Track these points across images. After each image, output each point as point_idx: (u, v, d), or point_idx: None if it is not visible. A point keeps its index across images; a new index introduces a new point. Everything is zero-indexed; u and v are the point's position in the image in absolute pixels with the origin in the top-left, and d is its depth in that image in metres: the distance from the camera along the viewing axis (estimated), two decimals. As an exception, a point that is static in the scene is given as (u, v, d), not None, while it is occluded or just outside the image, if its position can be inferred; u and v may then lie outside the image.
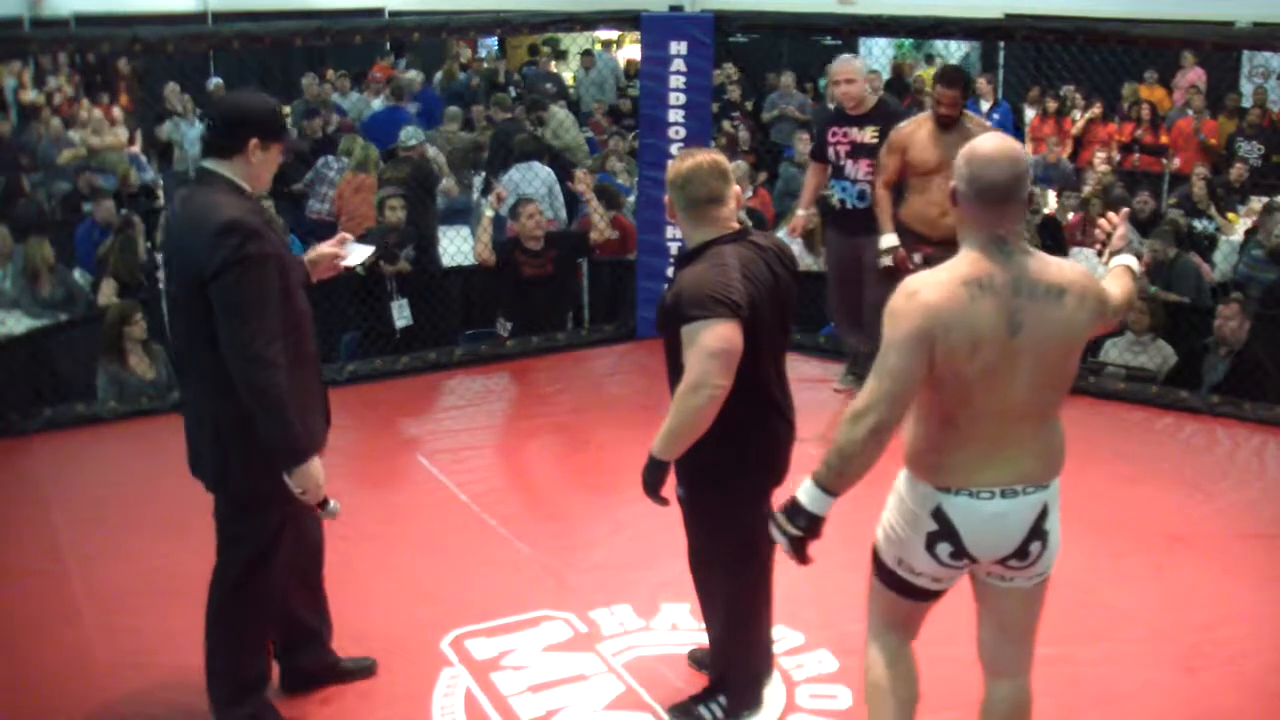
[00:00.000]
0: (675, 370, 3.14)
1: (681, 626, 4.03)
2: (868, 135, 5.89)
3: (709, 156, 3.25)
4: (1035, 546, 2.74)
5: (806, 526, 2.71)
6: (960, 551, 2.72)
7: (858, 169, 5.90)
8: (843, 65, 5.99)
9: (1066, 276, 2.69)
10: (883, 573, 2.88)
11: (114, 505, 5.01)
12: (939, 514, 2.70)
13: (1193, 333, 6.63)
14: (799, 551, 2.75)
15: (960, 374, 2.63)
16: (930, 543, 2.73)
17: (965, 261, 2.68)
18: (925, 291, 2.64)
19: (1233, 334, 6.28)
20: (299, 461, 3.10)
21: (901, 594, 2.87)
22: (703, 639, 3.63)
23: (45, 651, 3.96)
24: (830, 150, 5.98)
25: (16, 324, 6.87)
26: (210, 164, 3.17)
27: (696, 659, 3.77)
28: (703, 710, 3.48)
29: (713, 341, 3.02)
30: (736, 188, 3.29)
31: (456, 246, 8.32)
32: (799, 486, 2.73)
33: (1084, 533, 4.72)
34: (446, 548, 4.66)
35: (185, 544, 4.49)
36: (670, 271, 6.98)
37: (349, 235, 3.67)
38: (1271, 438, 5.76)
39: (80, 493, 5.17)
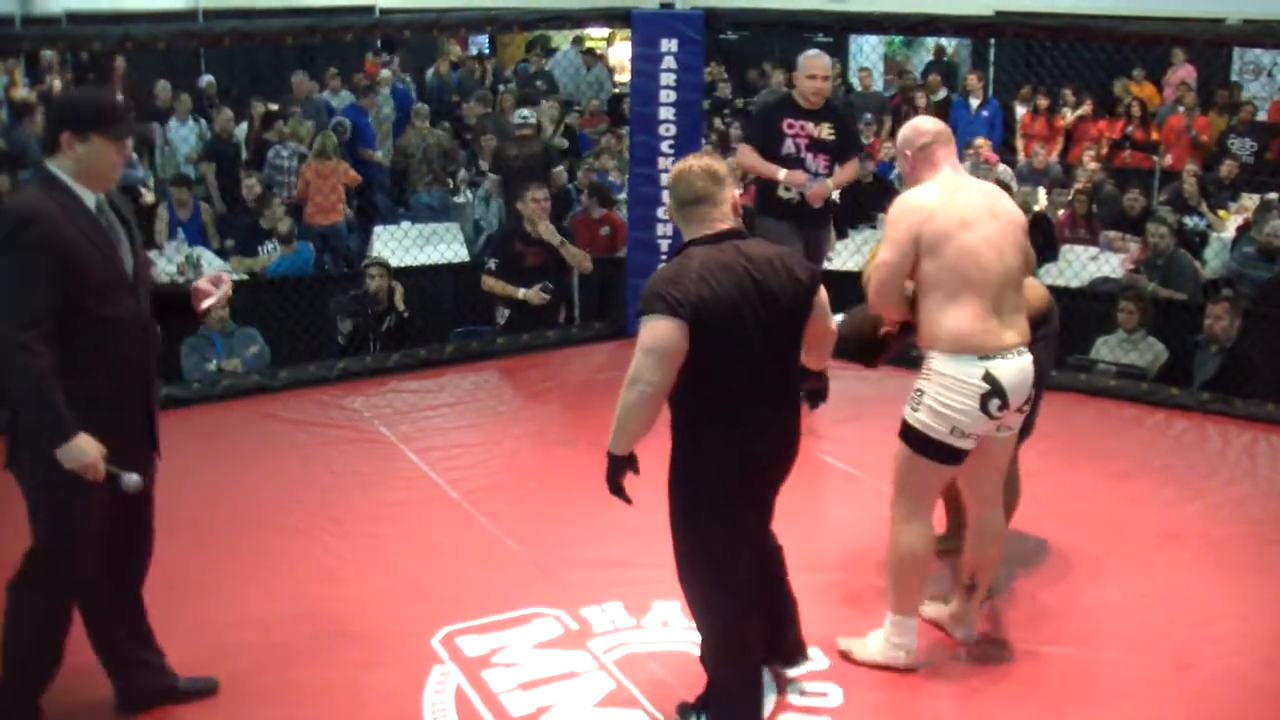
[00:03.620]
0: None
1: (673, 624, 4.03)
2: (824, 131, 5.91)
3: (701, 160, 3.26)
4: (1034, 391, 3.63)
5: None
6: (1005, 403, 3.50)
7: (817, 163, 5.90)
8: (819, 61, 5.98)
9: (993, 185, 3.82)
10: (932, 448, 3.57)
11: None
12: (988, 376, 3.47)
13: (1184, 330, 6.63)
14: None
15: (955, 240, 3.49)
16: (984, 402, 3.48)
17: (939, 182, 3.62)
18: (914, 197, 3.61)
19: (1223, 331, 6.29)
20: (61, 440, 3.11)
21: (945, 461, 3.59)
22: (692, 635, 3.62)
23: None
24: (789, 142, 5.92)
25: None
26: (46, 161, 3.22)
27: None
28: None
29: (647, 338, 3.06)
30: (736, 192, 3.25)
31: (446, 244, 8.33)
32: None
33: (1074, 529, 4.75)
34: (437, 545, 4.66)
35: (173, 536, 4.48)
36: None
37: (225, 276, 3.58)
38: (1262, 435, 5.77)
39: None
